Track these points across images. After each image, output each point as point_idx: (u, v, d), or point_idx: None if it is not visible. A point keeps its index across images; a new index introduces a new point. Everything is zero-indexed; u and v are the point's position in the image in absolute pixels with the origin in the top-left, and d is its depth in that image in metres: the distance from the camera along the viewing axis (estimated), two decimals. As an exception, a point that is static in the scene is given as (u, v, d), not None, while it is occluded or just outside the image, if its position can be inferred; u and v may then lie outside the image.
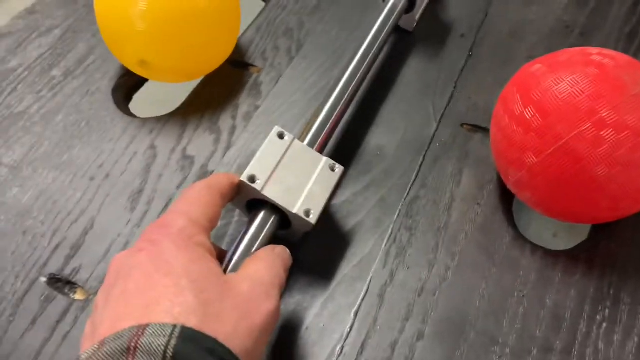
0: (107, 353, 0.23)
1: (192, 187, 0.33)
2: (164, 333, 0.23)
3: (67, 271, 0.38)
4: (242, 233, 0.34)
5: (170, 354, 0.22)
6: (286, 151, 0.37)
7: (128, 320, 0.24)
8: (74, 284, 0.37)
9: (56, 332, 0.35)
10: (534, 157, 0.35)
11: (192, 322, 0.24)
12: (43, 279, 0.37)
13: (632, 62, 0.36)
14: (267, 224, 0.35)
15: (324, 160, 0.38)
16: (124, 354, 0.22)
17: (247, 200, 0.36)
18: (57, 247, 0.39)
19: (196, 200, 0.32)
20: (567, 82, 0.35)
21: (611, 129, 0.33)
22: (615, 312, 0.35)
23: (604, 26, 0.53)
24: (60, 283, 0.37)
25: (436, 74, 0.49)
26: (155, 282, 0.26)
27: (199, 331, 0.24)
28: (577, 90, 0.34)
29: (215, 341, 0.24)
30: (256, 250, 0.33)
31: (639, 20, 0.53)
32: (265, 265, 0.31)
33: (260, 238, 0.34)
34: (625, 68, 0.35)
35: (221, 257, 0.32)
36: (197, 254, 0.28)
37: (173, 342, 0.23)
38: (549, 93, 0.35)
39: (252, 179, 0.34)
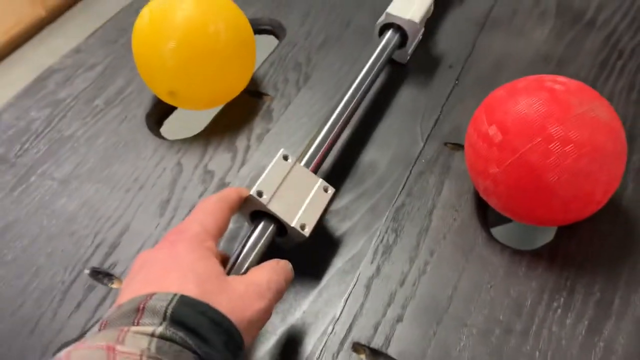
0: (122, 312, 0.30)
1: (207, 199, 0.39)
2: (166, 298, 0.30)
3: (106, 265, 0.45)
4: (246, 237, 0.40)
5: (170, 312, 0.29)
6: (289, 172, 0.43)
7: (142, 293, 0.31)
8: (112, 275, 0.44)
9: (96, 314, 0.42)
10: (496, 167, 0.41)
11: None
12: (86, 272, 0.45)
13: (580, 87, 0.42)
14: (267, 231, 0.41)
15: (319, 182, 0.44)
16: (135, 312, 0.29)
17: (252, 210, 0.42)
18: (98, 246, 0.46)
19: (209, 211, 0.38)
20: (523, 104, 0.41)
21: (558, 143, 0.39)
22: (570, 301, 0.41)
23: (578, 56, 0.60)
24: (101, 275, 0.45)
25: (425, 100, 0.56)
26: (168, 273, 0.33)
27: (194, 298, 0.31)
28: (531, 111, 0.40)
29: (207, 305, 0.31)
30: (257, 251, 0.40)
31: (610, 51, 0.60)
32: (265, 272, 0.36)
33: (261, 242, 0.40)
34: (573, 92, 0.41)
35: (225, 261, 0.39)
36: (205, 255, 0.35)
37: (172, 304, 0.30)
38: (508, 113, 0.41)
39: (260, 194, 0.41)
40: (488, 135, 0.42)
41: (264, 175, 0.42)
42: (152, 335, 0.28)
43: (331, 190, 0.45)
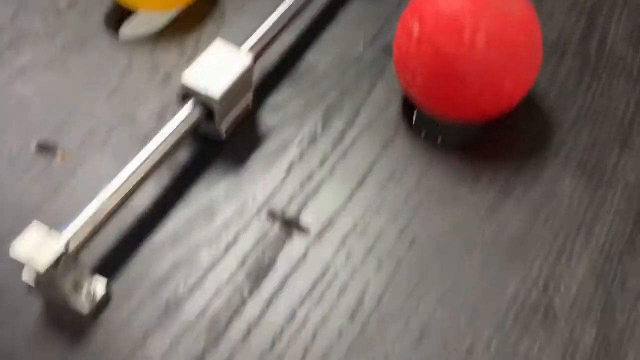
0: None
1: None
2: None
3: (51, 141, 0.48)
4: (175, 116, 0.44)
5: None
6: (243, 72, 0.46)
7: None
8: (56, 148, 0.48)
9: (35, 185, 0.46)
10: (415, 60, 0.44)
11: None
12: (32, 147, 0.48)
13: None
14: (196, 114, 0.44)
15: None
16: None
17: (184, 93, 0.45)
18: (46, 122, 0.50)
19: None
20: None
21: (469, 32, 0.41)
22: (475, 188, 0.44)
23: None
24: (46, 149, 0.48)
25: (374, 10, 0.58)
26: None
27: None
28: (448, 5, 0.42)
29: None
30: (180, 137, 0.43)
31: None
32: None
33: (190, 124, 0.44)
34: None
35: None
36: None
37: None
38: (428, 9, 0.43)
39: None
40: (410, 30, 0.44)
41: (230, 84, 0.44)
42: None
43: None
